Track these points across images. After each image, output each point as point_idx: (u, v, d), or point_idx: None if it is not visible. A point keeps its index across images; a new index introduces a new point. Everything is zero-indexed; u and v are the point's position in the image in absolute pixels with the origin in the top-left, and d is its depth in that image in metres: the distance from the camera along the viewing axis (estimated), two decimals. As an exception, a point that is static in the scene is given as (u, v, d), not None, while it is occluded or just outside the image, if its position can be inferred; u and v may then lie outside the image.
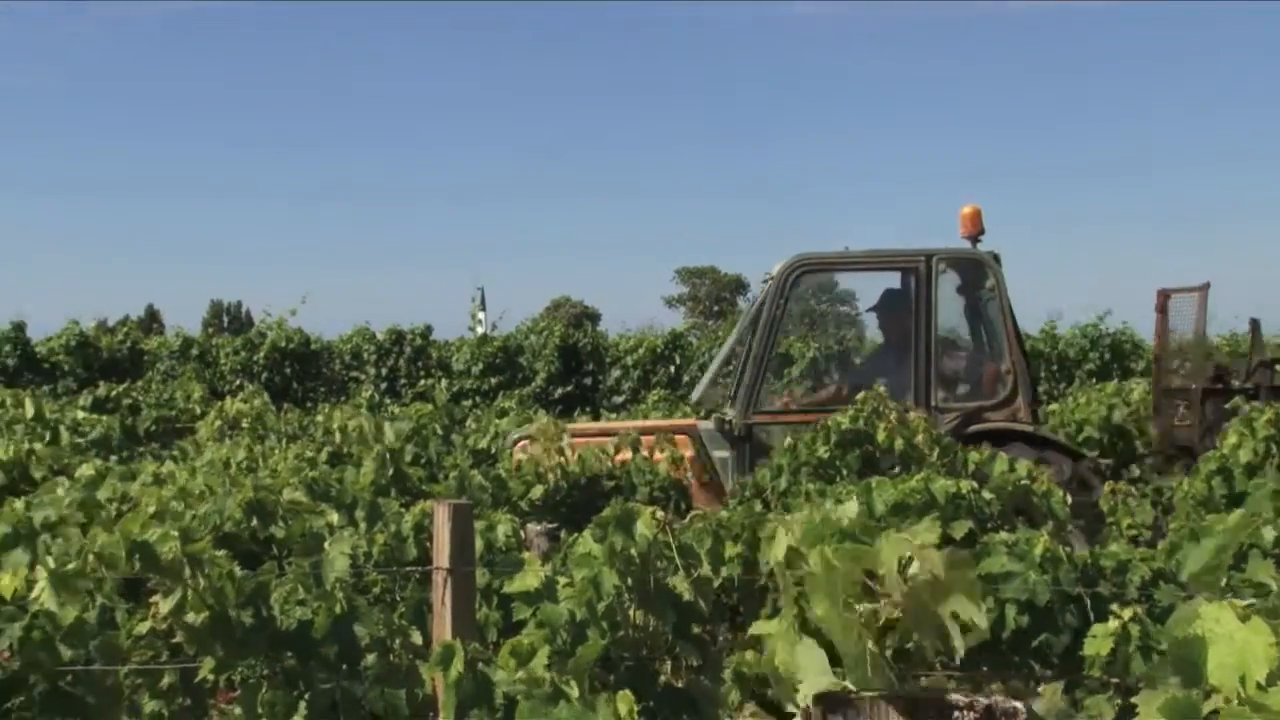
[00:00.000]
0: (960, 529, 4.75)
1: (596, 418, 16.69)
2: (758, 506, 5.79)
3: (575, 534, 4.13)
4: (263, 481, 5.36)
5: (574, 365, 20.65)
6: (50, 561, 3.48)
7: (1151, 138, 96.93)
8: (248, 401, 11.17)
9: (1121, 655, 3.70)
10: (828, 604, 2.33)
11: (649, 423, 9.48)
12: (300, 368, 20.62)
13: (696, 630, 3.80)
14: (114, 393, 14.48)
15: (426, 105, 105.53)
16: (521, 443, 8.31)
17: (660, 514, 3.89)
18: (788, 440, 7.16)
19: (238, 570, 3.64)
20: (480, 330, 22.73)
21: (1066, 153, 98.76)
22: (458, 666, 3.27)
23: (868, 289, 9.01)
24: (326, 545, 4.00)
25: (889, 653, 2.36)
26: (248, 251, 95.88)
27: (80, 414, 10.53)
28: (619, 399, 20.02)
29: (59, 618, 3.31)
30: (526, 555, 4.28)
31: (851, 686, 2.30)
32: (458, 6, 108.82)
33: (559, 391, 20.09)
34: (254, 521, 4.98)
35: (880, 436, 6.74)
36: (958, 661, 2.41)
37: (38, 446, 6.74)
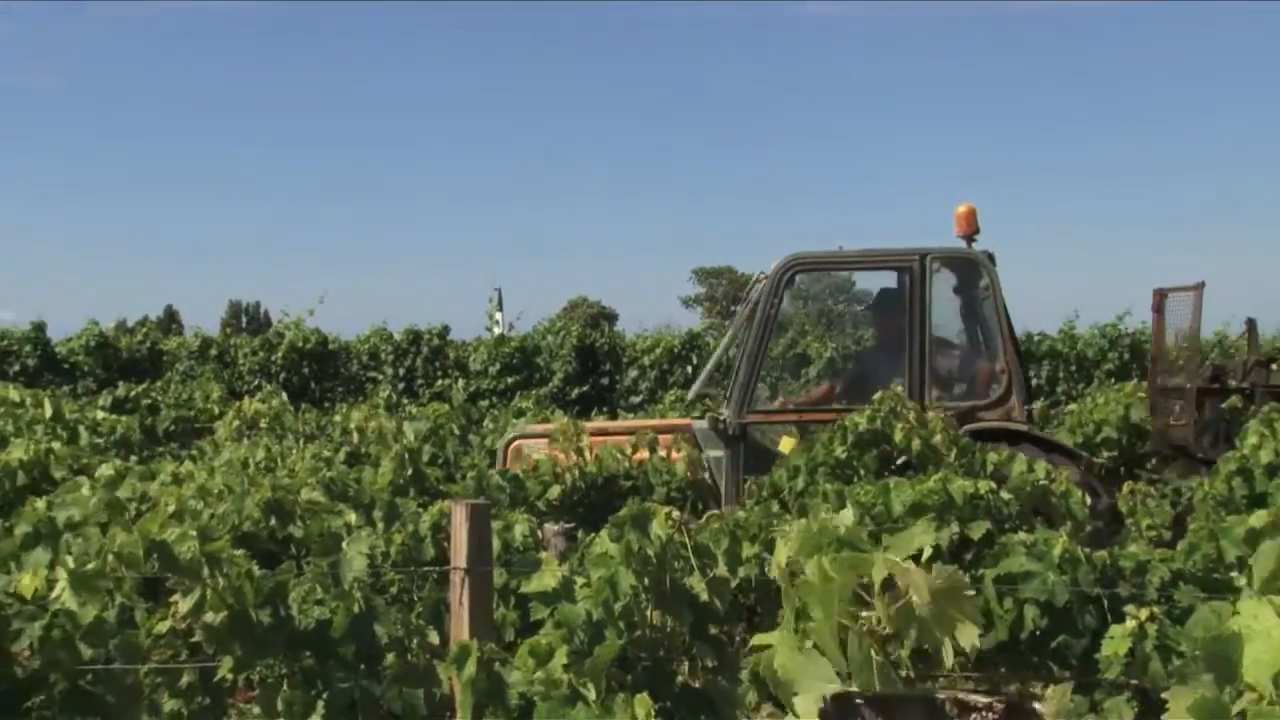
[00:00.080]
0: (978, 529, 4.73)
1: (614, 417, 16.68)
2: (775, 507, 5.78)
3: (592, 534, 4.13)
4: (281, 481, 5.38)
5: (591, 365, 20.65)
6: (70, 561, 3.49)
7: (1153, 138, 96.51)
8: (266, 401, 11.20)
9: (1140, 656, 3.69)
10: (821, 613, 2.32)
11: (645, 422, 9.47)
12: (318, 368, 20.67)
13: (713, 631, 3.80)
14: (133, 393, 14.54)
15: (445, 106, 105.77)
16: (516, 443, 8.30)
17: (676, 514, 3.89)
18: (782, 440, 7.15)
19: (256, 570, 3.65)
20: (497, 330, 22.73)
21: (1071, 152, 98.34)
22: (473, 666, 3.27)
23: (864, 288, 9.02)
24: (344, 545, 4.01)
25: (906, 654, 2.35)
26: (266, 252, 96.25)
27: (100, 414, 10.58)
28: (636, 399, 20.02)
29: (79, 617, 3.33)
30: (544, 555, 4.28)
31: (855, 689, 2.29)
32: (474, 6, 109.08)
33: (576, 392, 20.09)
34: (272, 521, 4.99)
35: (898, 436, 6.72)
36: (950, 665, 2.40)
37: (56, 446, 6.76)
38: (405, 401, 17.33)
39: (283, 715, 3.46)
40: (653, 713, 3.05)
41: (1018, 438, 7.54)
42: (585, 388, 20.28)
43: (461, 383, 19.86)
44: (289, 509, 5.02)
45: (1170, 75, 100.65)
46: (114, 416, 10.68)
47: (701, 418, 8.51)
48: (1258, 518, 4.22)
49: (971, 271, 8.30)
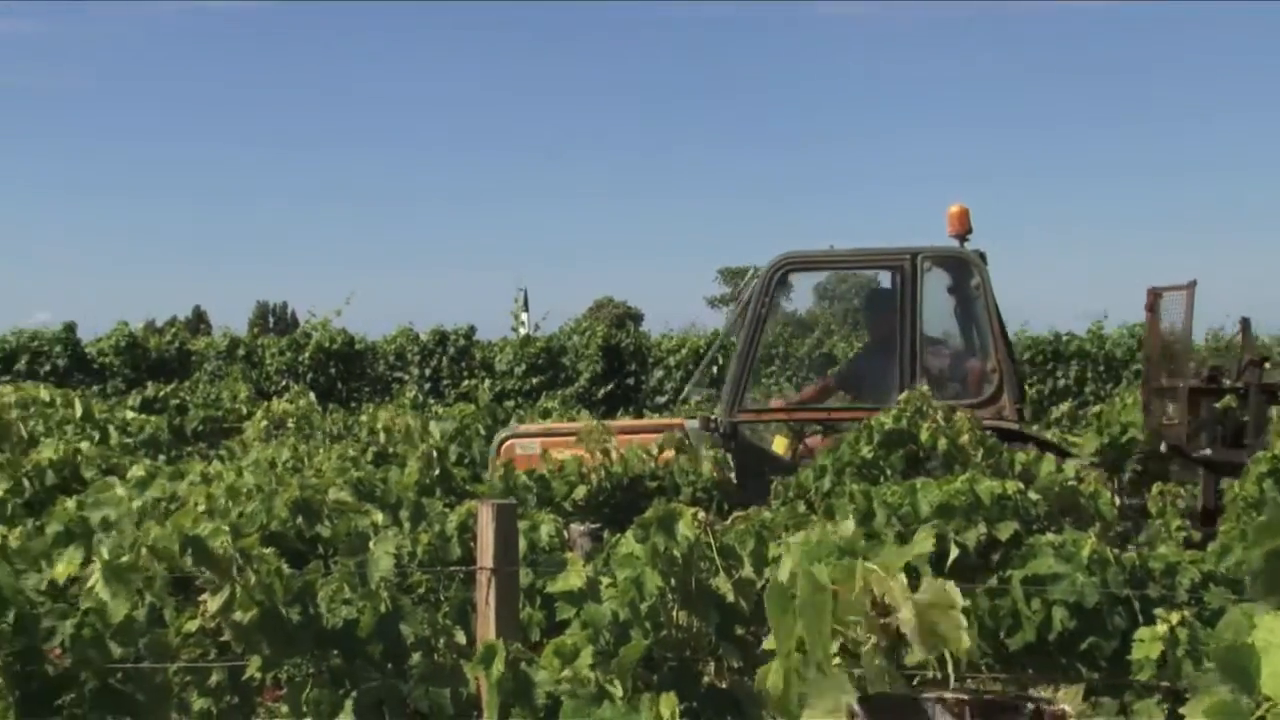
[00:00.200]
0: (1006, 530, 4.71)
1: (639, 417, 16.69)
2: (801, 507, 5.77)
3: (618, 534, 4.14)
4: (309, 481, 5.40)
5: (616, 366, 20.68)
6: (104, 552, 3.52)
7: (1154, 138, 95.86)
8: (293, 402, 11.26)
9: (1171, 660, 3.66)
10: (814, 629, 2.30)
11: (639, 422, 9.48)
12: (345, 368, 20.77)
13: (740, 631, 3.80)
14: (162, 393, 14.65)
15: (473, 107, 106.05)
16: (509, 442, 8.30)
17: (702, 515, 3.88)
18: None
19: (285, 568, 3.67)
20: (523, 331, 22.79)
21: (1078, 151, 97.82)
22: (500, 666, 3.28)
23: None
24: (371, 545, 4.02)
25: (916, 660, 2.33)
26: (293, 253, 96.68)
27: (129, 414, 10.64)
28: (661, 399, 20.03)
29: (109, 615, 3.36)
30: (569, 555, 4.29)
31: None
32: (504, 6, 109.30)
33: (602, 392, 20.12)
34: (299, 520, 5.02)
35: (924, 436, 6.70)
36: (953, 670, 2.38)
37: (84, 446, 6.81)
38: (431, 402, 17.39)
39: (310, 714, 3.48)
40: (678, 712, 3.05)
41: (1010, 437, 7.52)
42: (611, 388, 20.31)
43: (488, 383, 19.91)
44: (316, 508, 5.04)
45: (1168, 76, 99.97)
46: (143, 416, 10.74)
47: (694, 416, 8.54)
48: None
49: (963, 271, 8.31)
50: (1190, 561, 4.27)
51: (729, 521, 4.35)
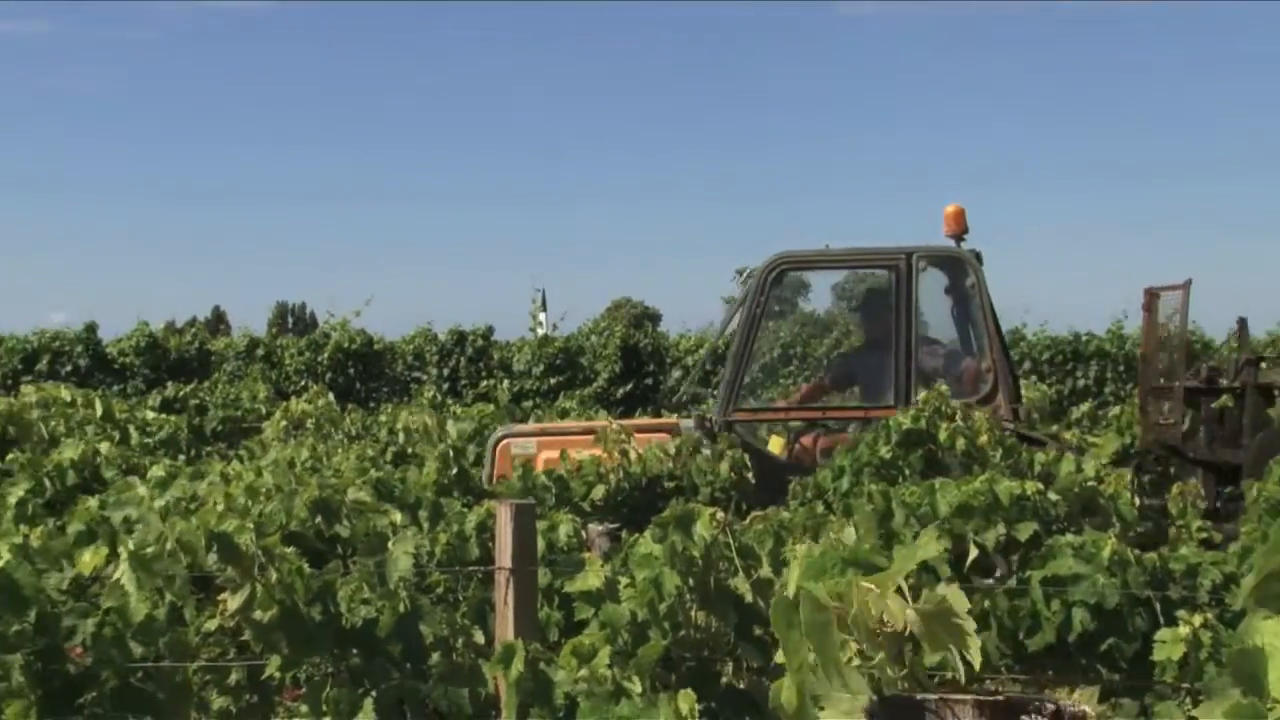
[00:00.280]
0: (1025, 530, 4.69)
1: (658, 416, 16.68)
2: (819, 508, 5.76)
3: (636, 534, 4.14)
4: (328, 481, 5.42)
5: (635, 366, 20.67)
6: (130, 544, 3.53)
7: (1162, 139, 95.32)
8: (312, 402, 11.29)
9: (1194, 662, 3.65)
10: (820, 646, 2.29)
11: (635, 421, 9.47)
12: (363, 368, 20.82)
13: (758, 632, 3.79)
14: (181, 393, 14.72)
15: (491, 108, 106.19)
16: (505, 441, 8.30)
17: (720, 515, 3.88)
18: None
19: (306, 567, 3.68)
20: (541, 331, 22.82)
21: (1088, 151, 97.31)
22: (519, 666, 3.29)
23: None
24: (390, 544, 4.03)
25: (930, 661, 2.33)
26: (312, 253, 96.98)
27: (149, 414, 10.70)
28: (685, 398, 20.02)
29: (130, 614, 3.37)
30: (588, 555, 4.29)
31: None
32: (517, 6, 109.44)
33: (620, 392, 20.12)
34: (319, 520, 5.03)
35: (943, 436, 6.68)
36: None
37: (104, 446, 6.85)
38: (450, 402, 17.42)
39: (329, 713, 3.49)
40: (696, 710, 3.05)
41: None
42: (630, 388, 20.31)
43: (506, 383, 19.94)
44: (335, 508, 5.06)
45: (1168, 76, 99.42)
46: (162, 416, 10.80)
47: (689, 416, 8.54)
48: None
49: (958, 270, 8.30)
50: (1212, 563, 4.24)
51: (747, 521, 4.34)
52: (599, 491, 7.05)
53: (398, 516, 5.12)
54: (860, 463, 6.56)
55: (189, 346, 20.96)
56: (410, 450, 9.00)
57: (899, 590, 2.26)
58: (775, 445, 8.35)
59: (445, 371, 20.85)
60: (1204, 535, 7.37)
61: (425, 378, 20.64)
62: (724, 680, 3.73)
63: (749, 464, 7.58)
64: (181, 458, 8.76)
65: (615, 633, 3.55)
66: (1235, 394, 8.60)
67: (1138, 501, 5.99)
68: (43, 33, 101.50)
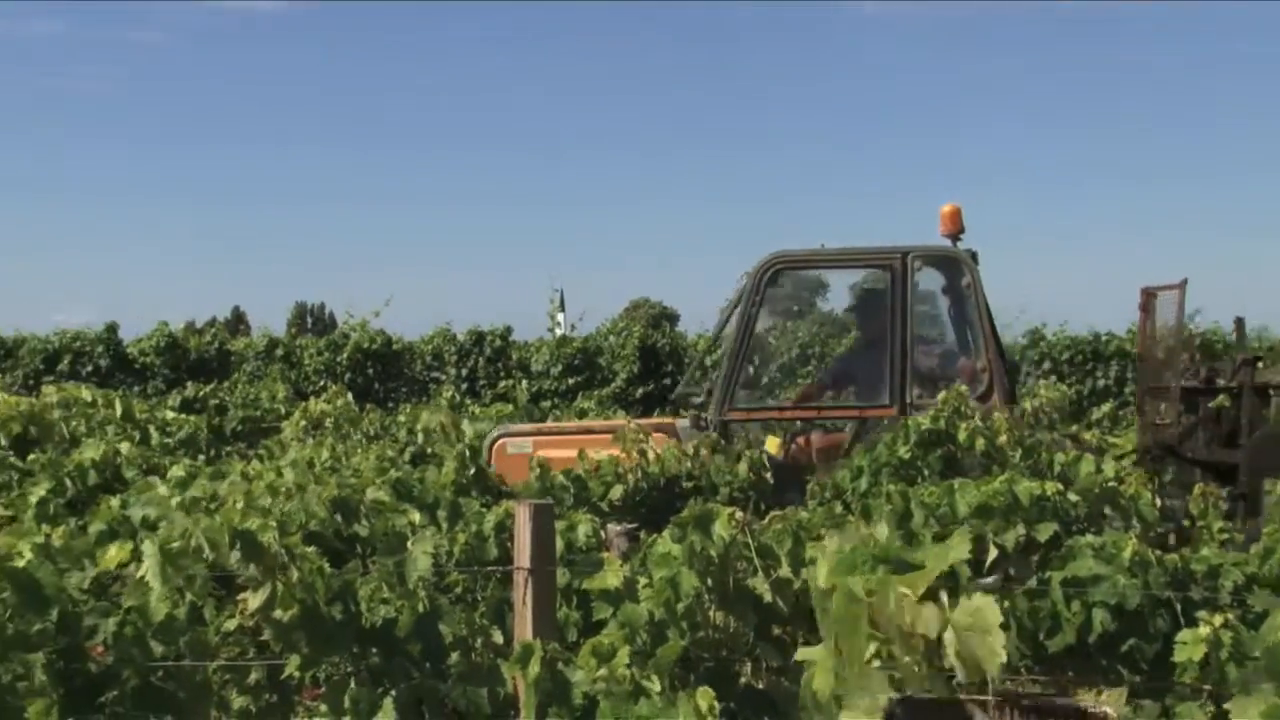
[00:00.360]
0: (1045, 531, 4.67)
1: (675, 416, 16.65)
2: (838, 508, 5.75)
3: (654, 534, 4.14)
4: (347, 480, 5.43)
5: (653, 366, 20.66)
6: (156, 540, 3.55)
7: (1163, 139, 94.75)
8: (331, 402, 11.32)
9: (1215, 662, 3.62)
10: (852, 638, 2.29)
11: (631, 422, 9.45)
12: (382, 368, 20.86)
13: (777, 632, 3.79)
14: (201, 393, 14.77)
15: (509, 107, 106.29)
16: (501, 441, 8.29)
17: (739, 514, 3.87)
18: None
19: (326, 567, 3.69)
20: (559, 331, 22.83)
21: (1091, 152, 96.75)
22: (537, 665, 3.29)
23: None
24: (409, 544, 4.04)
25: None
26: (331, 254, 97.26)
27: (169, 414, 10.74)
28: (697, 399, 19.99)
29: (151, 614, 3.39)
30: (606, 555, 4.29)
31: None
32: (535, 6, 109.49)
33: (639, 392, 20.11)
34: (338, 519, 5.04)
35: (962, 436, 6.66)
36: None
37: (124, 446, 6.88)
38: (468, 402, 17.44)
39: (349, 713, 3.50)
40: (715, 708, 3.05)
41: None
42: (648, 388, 20.30)
43: (525, 383, 19.95)
44: (354, 508, 5.07)
45: (1166, 76, 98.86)
46: (182, 416, 10.84)
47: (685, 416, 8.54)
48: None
49: (953, 270, 8.28)
50: (1233, 563, 4.22)
51: (766, 521, 4.33)
52: (617, 491, 7.05)
53: (416, 516, 5.13)
54: (879, 463, 6.55)
55: (209, 347, 21.05)
56: (429, 450, 9.01)
57: (933, 595, 2.25)
58: (772, 445, 8.34)
59: (464, 372, 20.87)
60: (1225, 536, 7.34)
61: (444, 378, 20.66)
62: (743, 680, 3.72)
63: (766, 464, 7.59)
64: (201, 458, 8.80)
65: (634, 632, 3.55)
66: (1232, 394, 8.55)
67: (1158, 502, 5.95)
68: (58, 32, 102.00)
